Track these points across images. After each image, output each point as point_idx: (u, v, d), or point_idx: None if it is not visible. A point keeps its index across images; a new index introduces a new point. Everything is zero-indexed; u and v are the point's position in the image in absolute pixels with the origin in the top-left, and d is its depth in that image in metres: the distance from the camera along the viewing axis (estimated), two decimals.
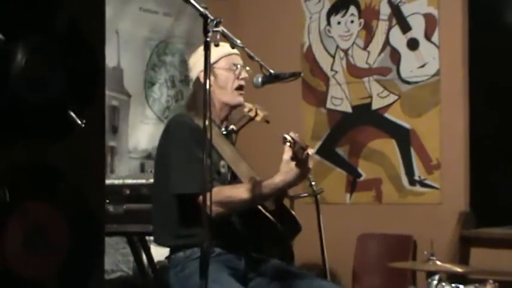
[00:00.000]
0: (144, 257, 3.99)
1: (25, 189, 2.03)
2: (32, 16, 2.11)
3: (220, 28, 2.37)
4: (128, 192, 3.68)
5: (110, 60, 4.94)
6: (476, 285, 3.09)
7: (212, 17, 2.34)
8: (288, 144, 2.48)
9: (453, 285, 3.09)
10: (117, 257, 4.86)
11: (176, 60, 5.33)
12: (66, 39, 2.13)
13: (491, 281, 3.07)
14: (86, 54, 2.16)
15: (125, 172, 4.89)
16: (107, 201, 3.68)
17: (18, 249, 2.03)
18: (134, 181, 3.74)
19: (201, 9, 2.33)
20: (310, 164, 2.59)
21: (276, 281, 2.83)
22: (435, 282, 3.07)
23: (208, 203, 2.19)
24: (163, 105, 5.27)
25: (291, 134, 2.49)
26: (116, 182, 3.75)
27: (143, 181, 3.71)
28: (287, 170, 2.56)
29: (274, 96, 5.20)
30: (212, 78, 2.89)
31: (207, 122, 2.25)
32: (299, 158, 2.51)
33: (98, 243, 2.23)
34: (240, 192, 2.67)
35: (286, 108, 5.51)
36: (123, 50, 5.02)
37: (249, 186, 2.67)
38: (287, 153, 2.55)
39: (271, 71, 2.88)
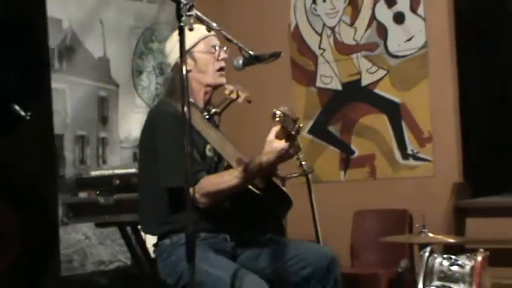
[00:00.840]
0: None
1: None
2: None
3: (194, 12, 2.35)
4: (117, 182, 3.67)
5: (96, 51, 4.94)
6: (468, 254, 3.09)
7: (184, 1, 2.32)
8: (277, 118, 2.46)
9: (445, 255, 3.09)
10: (114, 248, 4.88)
11: (163, 47, 5.28)
12: (8, 33, 2.11)
13: (481, 250, 3.08)
14: (29, 47, 2.15)
15: (117, 162, 4.90)
16: (97, 192, 3.68)
17: None
18: (124, 171, 3.73)
19: None
20: (301, 143, 2.58)
21: (264, 252, 2.83)
22: (427, 254, 3.07)
23: (192, 192, 2.19)
24: (153, 93, 5.26)
25: (281, 107, 2.47)
26: (106, 172, 3.75)
27: (133, 170, 3.70)
28: (269, 150, 2.55)
29: (264, 77, 5.21)
30: (192, 62, 2.88)
31: (185, 108, 2.24)
32: (288, 131, 2.50)
33: (51, 234, 2.22)
34: (227, 180, 2.67)
35: (277, 88, 5.51)
36: (108, 39, 5.00)
37: (235, 172, 2.67)
38: (271, 134, 2.55)
39: (251, 53, 2.87)
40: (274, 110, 2.46)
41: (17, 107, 2.02)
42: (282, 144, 2.52)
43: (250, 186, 2.75)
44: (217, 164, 2.91)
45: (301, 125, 2.53)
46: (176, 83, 2.80)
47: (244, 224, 2.86)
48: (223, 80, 2.95)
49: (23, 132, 2.07)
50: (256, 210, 2.82)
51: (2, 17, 2.11)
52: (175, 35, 2.88)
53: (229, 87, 2.99)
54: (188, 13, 2.33)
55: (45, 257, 2.24)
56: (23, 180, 2.08)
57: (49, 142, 2.24)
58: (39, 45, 2.26)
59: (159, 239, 2.83)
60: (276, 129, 2.53)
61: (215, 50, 2.92)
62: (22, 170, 2.08)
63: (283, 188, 3.00)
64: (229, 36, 2.73)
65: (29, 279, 2.04)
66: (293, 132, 2.50)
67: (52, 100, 2.27)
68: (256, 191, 2.77)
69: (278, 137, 2.53)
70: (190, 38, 2.82)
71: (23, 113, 2.02)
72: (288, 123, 2.48)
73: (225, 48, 2.95)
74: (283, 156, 2.58)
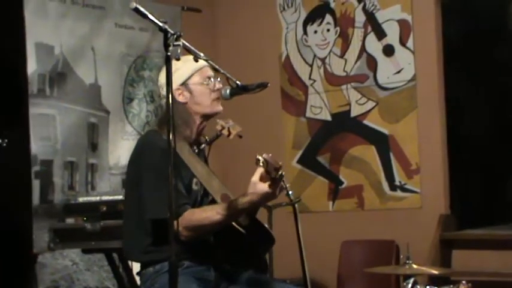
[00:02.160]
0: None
1: None
2: None
3: (181, 42, 2.38)
4: (104, 208, 3.69)
5: (87, 77, 4.96)
6: (451, 286, 3.11)
7: (172, 31, 2.36)
8: (261, 165, 2.51)
9: (428, 287, 3.10)
10: (101, 274, 4.86)
11: (154, 74, 5.32)
12: None
13: (464, 282, 3.10)
14: (5, 72, 2.16)
15: (105, 189, 4.90)
16: (84, 218, 3.69)
17: None
18: (111, 197, 3.74)
19: (160, 24, 2.35)
20: (289, 174, 2.61)
21: None
22: (410, 285, 3.08)
23: (175, 223, 2.21)
24: (143, 120, 5.28)
25: (264, 155, 2.52)
26: (93, 199, 3.76)
27: (120, 197, 3.71)
28: (252, 191, 2.58)
29: (254, 107, 5.26)
30: (188, 94, 2.91)
31: (171, 140, 2.27)
32: (272, 177, 2.54)
33: (26, 263, 2.22)
34: (210, 215, 2.69)
35: (267, 118, 5.56)
36: (100, 66, 5.03)
37: (219, 208, 2.69)
38: (256, 175, 2.58)
39: (238, 83, 2.90)
40: (258, 156, 2.50)
41: None
42: (265, 188, 2.57)
43: (233, 223, 2.77)
44: (203, 198, 2.93)
45: (283, 173, 2.57)
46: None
47: (226, 258, 2.87)
48: (220, 108, 2.97)
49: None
50: (238, 246, 2.84)
51: None
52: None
53: (221, 123, 3.02)
54: (175, 43, 2.36)
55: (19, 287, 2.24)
56: None
57: (26, 169, 2.25)
58: (17, 72, 2.27)
59: (143, 267, 2.84)
60: (260, 170, 2.56)
61: (210, 81, 2.95)
62: None
63: (266, 226, 3.03)
64: (217, 66, 2.78)
65: None
66: (276, 178, 2.54)
67: (29, 127, 2.28)
68: (240, 228, 2.79)
69: (262, 179, 2.57)
70: (185, 70, 2.87)
71: None
72: (271, 170, 2.52)
73: (218, 79, 2.98)
74: (266, 198, 2.63)
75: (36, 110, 4.53)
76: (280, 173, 2.54)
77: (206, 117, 2.97)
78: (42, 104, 4.65)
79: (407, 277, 3.23)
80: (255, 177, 2.57)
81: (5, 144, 2.02)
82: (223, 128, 3.03)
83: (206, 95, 2.93)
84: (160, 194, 2.59)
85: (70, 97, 4.82)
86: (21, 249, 2.22)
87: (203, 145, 3.04)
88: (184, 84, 2.90)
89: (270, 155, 2.54)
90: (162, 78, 2.99)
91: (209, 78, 2.95)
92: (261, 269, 2.99)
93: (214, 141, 3.12)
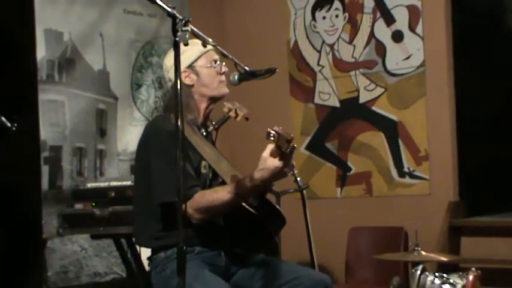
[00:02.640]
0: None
1: None
2: None
3: (189, 27, 2.37)
4: (113, 194, 3.70)
5: (96, 64, 4.97)
6: (460, 273, 3.10)
7: (180, 17, 2.35)
8: (272, 138, 2.48)
9: (437, 274, 3.09)
10: (110, 260, 4.88)
11: (162, 60, 5.32)
12: None
13: (473, 269, 3.09)
14: (14, 57, 2.16)
15: (114, 174, 4.91)
16: (93, 204, 3.70)
17: None
18: (119, 183, 3.75)
19: (169, 9, 2.34)
20: (297, 160, 2.60)
21: (260, 272, 2.84)
22: (418, 272, 3.07)
23: (184, 207, 2.23)
24: (151, 106, 5.29)
25: (275, 127, 2.50)
26: (102, 184, 3.77)
27: (129, 183, 3.72)
28: (263, 167, 2.56)
29: (262, 93, 5.25)
30: (194, 76, 2.91)
31: (179, 123, 2.26)
32: (283, 151, 2.52)
33: (35, 249, 2.22)
34: (221, 195, 2.68)
35: (275, 104, 5.54)
36: (108, 52, 5.03)
37: (229, 188, 2.68)
38: (267, 150, 2.57)
39: (246, 68, 2.90)
40: (269, 130, 2.48)
41: (2, 118, 2.03)
42: (276, 162, 2.54)
43: (244, 204, 2.76)
44: (212, 181, 2.93)
45: (295, 145, 2.55)
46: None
47: (237, 241, 2.87)
48: (226, 90, 2.97)
49: (8, 144, 2.08)
50: (249, 228, 2.83)
51: None
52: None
53: (228, 105, 3.02)
54: (184, 28, 2.34)
55: (28, 272, 2.24)
56: (6, 192, 2.08)
57: (35, 153, 2.25)
58: (27, 58, 2.26)
59: (154, 252, 2.84)
60: (271, 146, 2.54)
61: (216, 64, 2.94)
62: (6, 183, 2.09)
63: (277, 206, 3.02)
64: (225, 52, 2.76)
65: None
66: (287, 151, 2.52)
67: (39, 113, 2.28)
68: (250, 209, 2.78)
69: (273, 154, 2.55)
70: (191, 53, 2.87)
71: (8, 124, 2.03)
72: (282, 143, 2.50)
73: (223, 63, 2.98)
74: (277, 175, 2.59)
75: (45, 96, 4.54)
76: (291, 145, 2.52)
77: (213, 99, 2.96)
78: (51, 90, 4.66)
79: (415, 264, 3.21)
80: (266, 153, 2.55)
81: (14, 128, 2.01)
82: (230, 110, 3.03)
83: (213, 77, 2.93)
84: (168, 177, 2.60)
85: (79, 83, 4.83)
86: (30, 235, 2.22)
87: (211, 127, 3.03)
88: (190, 66, 2.90)
89: (281, 127, 2.52)
90: (168, 61, 2.99)
91: (215, 61, 2.95)
92: (272, 251, 2.99)
93: (222, 126, 3.12)
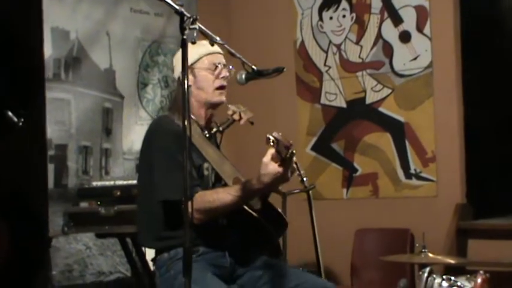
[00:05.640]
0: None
1: None
2: None
3: (197, 25, 2.35)
4: (118, 193, 3.68)
5: (102, 62, 4.97)
6: (468, 276, 3.08)
7: (188, 15, 2.33)
8: (271, 144, 2.48)
9: (444, 276, 3.07)
10: (114, 259, 4.87)
11: (169, 60, 5.30)
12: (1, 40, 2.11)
13: (481, 272, 3.06)
14: (22, 54, 2.15)
15: (119, 173, 4.90)
16: (98, 202, 3.69)
17: None
18: (125, 182, 3.74)
19: (177, 7, 2.32)
20: (303, 160, 2.59)
21: (266, 276, 2.82)
22: (426, 274, 3.05)
23: (189, 207, 2.20)
24: (157, 105, 5.27)
25: (274, 133, 2.49)
26: (107, 183, 3.76)
27: (134, 182, 3.70)
28: (264, 172, 2.55)
29: (269, 93, 5.24)
30: (192, 78, 2.87)
31: (186, 123, 2.24)
32: (282, 157, 2.51)
33: (41, 243, 2.21)
34: (221, 196, 2.67)
35: (281, 105, 5.53)
36: (114, 51, 5.02)
37: (230, 189, 2.67)
38: (267, 155, 2.55)
39: (254, 67, 2.87)
40: (268, 135, 2.48)
41: (9, 113, 2.02)
42: (276, 167, 2.54)
43: (245, 207, 2.75)
44: (214, 184, 2.90)
45: (294, 152, 2.54)
46: (179, 98, 2.79)
47: (240, 243, 2.85)
48: (222, 98, 2.92)
49: (14, 141, 2.07)
50: (251, 230, 2.81)
51: None
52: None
53: (232, 108, 2.99)
54: (191, 26, 2.32)
55: (35, 270, 2.23)
56: (13, 189, 2.07)
57: (41, 150, 2.24)
58: (34, 55, 2.25)
59: (157, 253, 2.82)
60: (271, 151, 2.53)
61: (216, 67, 2.91)
62: (12, 179, 2.07)
63: (279, 210, 3.00)
64: (233, 51, 2.73)
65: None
66: (286, 157, 2.51)
67: (45, 109, 2.27)
68: (252, 212, 2.76)
69: (273, 159, 2.54)
70: (194, 53, 2.83)
71: (15, 120, 2.02)
72: (281, 149, 2.50)
73: (230, 67, 2.94)
74: (278, 180, 2.58)
75: (51, 94, 4.53)
76: (290, 151, 2.51)
77: (209, 105, 2.93)
78: (57, 89, 4.65)
79: (422, 266, 3.19)
80: (266, 158, 2.54)
81: (21, 124, 2.00)
82: (234, 112, 3.00)
83: (209, 82, 2.89)
84: (170, 176, 2.59)
85: (85, 82, 4.83)
86: (37, 233, 2.21)
87: (214, 129, 3.01)
88: (190, 67, 2.87)
89: (280, 133, 2.51)
90: (175, 60, 2.99)
91: (216, 65, 2.90)
92: (275, 253, 2.97)
93: (227, 129, 3.09)
